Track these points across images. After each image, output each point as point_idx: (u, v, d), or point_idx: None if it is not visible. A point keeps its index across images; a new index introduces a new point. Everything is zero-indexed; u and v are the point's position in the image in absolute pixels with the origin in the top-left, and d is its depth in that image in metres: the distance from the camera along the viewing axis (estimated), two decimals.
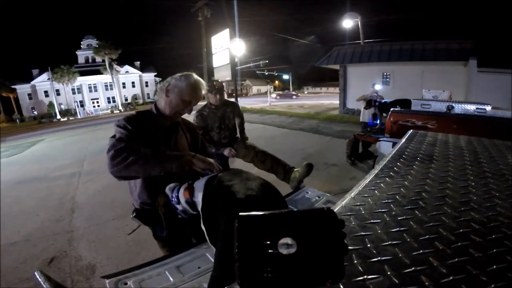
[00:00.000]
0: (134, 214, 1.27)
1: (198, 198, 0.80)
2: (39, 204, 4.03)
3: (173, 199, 0.89)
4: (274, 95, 21.63)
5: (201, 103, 2.16)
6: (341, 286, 0.44)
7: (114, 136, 1.11)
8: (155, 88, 44.24)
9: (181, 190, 0.87)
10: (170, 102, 1.24)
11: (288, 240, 0.27)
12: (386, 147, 3.28)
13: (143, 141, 1.12)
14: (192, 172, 1.05)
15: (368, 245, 0.55)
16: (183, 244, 1.15)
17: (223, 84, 2.53)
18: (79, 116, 32.22)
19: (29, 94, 36.21)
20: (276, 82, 60.64)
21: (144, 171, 1.04)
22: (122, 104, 35.35)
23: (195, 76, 1.25)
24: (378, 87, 5.87)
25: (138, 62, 40.95)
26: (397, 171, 0.98)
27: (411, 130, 1.61)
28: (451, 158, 1.11)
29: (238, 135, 2.67)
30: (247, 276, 0.26)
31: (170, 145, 1.26)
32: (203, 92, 1.29)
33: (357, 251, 0.54)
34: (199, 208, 0.80)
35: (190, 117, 1.70)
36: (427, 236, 0.58)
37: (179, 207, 0.87)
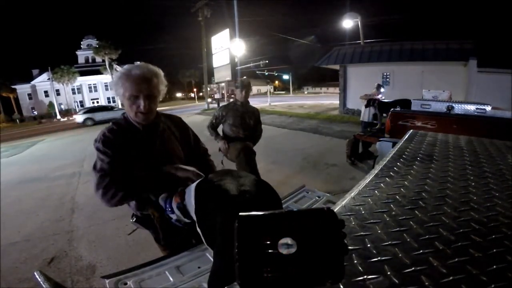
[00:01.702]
0: (134, 219, 1.27)
1: (190, 202, 0.80)
2: (39, 204, 4.03)
3: (167, 209, 0.88)
4: (210, 100, 21.70)
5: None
6: (341, 286, 0.44)
7: (95, 166, 1.06)
8: None
9: (172, 197, 0.87)
10: (125, 106, 1.12)
11: (288, 240, 0.27)
12: (386, 147, 3.27)
13: (127, 158, 1.07)
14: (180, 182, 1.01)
15: (368, 245, 0.55)
16: (184, 246, 1.13)
17: (250, 82, 2.69)
18: None
19: (29, 94, 36.24)
20: (276, 82, 60.67)
21: (138, 199, 1.07)
22: (122, 104, 35.40)
23: (126, 66, 1.11)
24: (382, 89, 5.87)
25: (138, 62, 40.90)
26: (397, 171, 0.98)
27: (411, 130, 1.62)
28: (451, 158, 1.11)
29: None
30: (247, 276, 0.26)
31: (156, 149, 1.16)
32: (156, 79, 1.10)
33: (357, 251, 0.54)
34: (192, 213, 0.80)
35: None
36: (427, 236, 0.58)
37: (173, 216, 0.87)
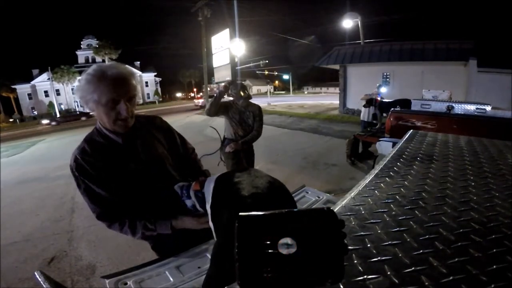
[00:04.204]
0: None
1: (208, 193, 0.80)
2: (39, 204, 4.03)
3: (183, 194, 0.89)
4: (84, 118, 21.18)
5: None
6: (341, 286, 0.44)
7: (84, 197, 0.98)
8: (155, 88, 44.36)
9: (192, 184, 0.88)
10: (98, 116, 0.95)
11: (288, 240, 0.27)
12: (386, 147, 3.27)
13: (112, 180, 0.98)
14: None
15: (368, 245, 0.55)
16: (182, 247, 1.09)
17: (232, 82, 2.82)
18: None
19: (29, 94, 36.29)
20: (276, 82, 60.65)
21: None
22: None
23: (95, 66, 0.93)
24: (383, 89, 5.89)
25: (138, 62, 41.01)
26: (397, 171, 0.98)
27: (411, 130, 1.61)
28: (451, 158, 1.11)
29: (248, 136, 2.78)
30: (247, 276, 0.26)
31: (141, 160, 1.04)
32: (134, 79, 0.95)
33: (357, 251, 0.54)
34: (207, 206, 0.80)
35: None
36: (427, 236, 0.58)
37: (188, 202, 0.88)
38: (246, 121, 2.76)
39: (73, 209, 3.73)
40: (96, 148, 0.98)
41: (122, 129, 0.99)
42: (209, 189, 0.79)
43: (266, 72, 36.88)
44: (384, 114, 5.01)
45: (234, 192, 0.68)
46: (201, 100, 23.45)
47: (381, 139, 3.72)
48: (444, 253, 0.52)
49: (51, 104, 33.71)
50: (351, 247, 0.54)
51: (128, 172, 1.01)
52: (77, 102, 35.03)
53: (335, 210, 0.64)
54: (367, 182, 0.88)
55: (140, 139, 1.05)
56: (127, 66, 0.98)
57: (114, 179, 0.98)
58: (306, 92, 55.40)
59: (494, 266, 0.48)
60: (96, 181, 0.96)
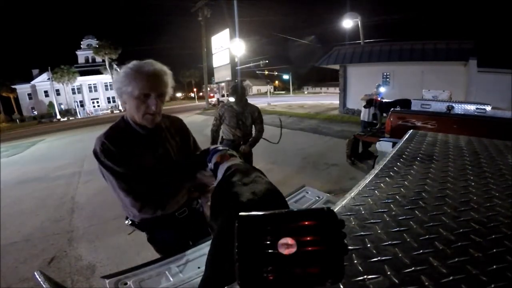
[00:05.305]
0: (130, 222, 1.22)
1: (219, 174, 0.82)
2: (39, 204, 4.03)
3: (209, 157, 0.90)
4: (214, 100, 22.96)
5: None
6: (341, 286, 0.44)
7: (112, 183, 1.00)
8: None
9: (217, 155, 0.88)
10: (129, 108, 1.01)
11: (288, 240, 0.27)
12: (386, 147, 3.27)
13: (131, 167, 1.01)
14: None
15: (368, 245, 0.55)
16: (178, 247, 1.10)
17: (239, 85, 2.74)
18: (79, 116, 32.27)
19: (29, 94, 36.28)
20: (276, 82, 60.65)
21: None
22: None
23: (134, 62, 1.00)
24: (382, 89, 5.89)
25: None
26: (397, 171, 0.98)
27: (411, 130, 1.61)
28: (451, 158, 1.11)
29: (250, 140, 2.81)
30: (247, 276, 0.26)
31: (158, 156, 1.09)
32: (166, 77, 1.01)
33: (357, 251, 0.54)
34: (215, 182, 0.81)
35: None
36: (427, 236, 0.58)
37: (210, 165, 0.89)
38: (245, 122, 2.75)
39: (73, 209, 3.73)
40: (121, 135, 1.03)
41: (150, 124, 1.02)
42: (220, 173, 0.81)
43: (266, 72, 36.93)
44: (384, 114, 5.01)
45: (234, 194, 0.69)
46: (213, 99, 23.73)
47: (381, 139, 3.72)
48: (444, 253, 0.52)
49: (51, 104, 33.71)
50: (351, 247, 0.54)
51: (143, 164, 1.04)
52: (76, 102, 35.05)
53: (335, 210, 0.64)
54: (367, 182, 0.88)
55: (158, 137, 1.10)
56: (162, 65, 1.03)
57: (130, 167, 1.02)
58: (306, 92, 55.37)
59: (494, 266, 0.48)
60: (121, 164, 0.99)
